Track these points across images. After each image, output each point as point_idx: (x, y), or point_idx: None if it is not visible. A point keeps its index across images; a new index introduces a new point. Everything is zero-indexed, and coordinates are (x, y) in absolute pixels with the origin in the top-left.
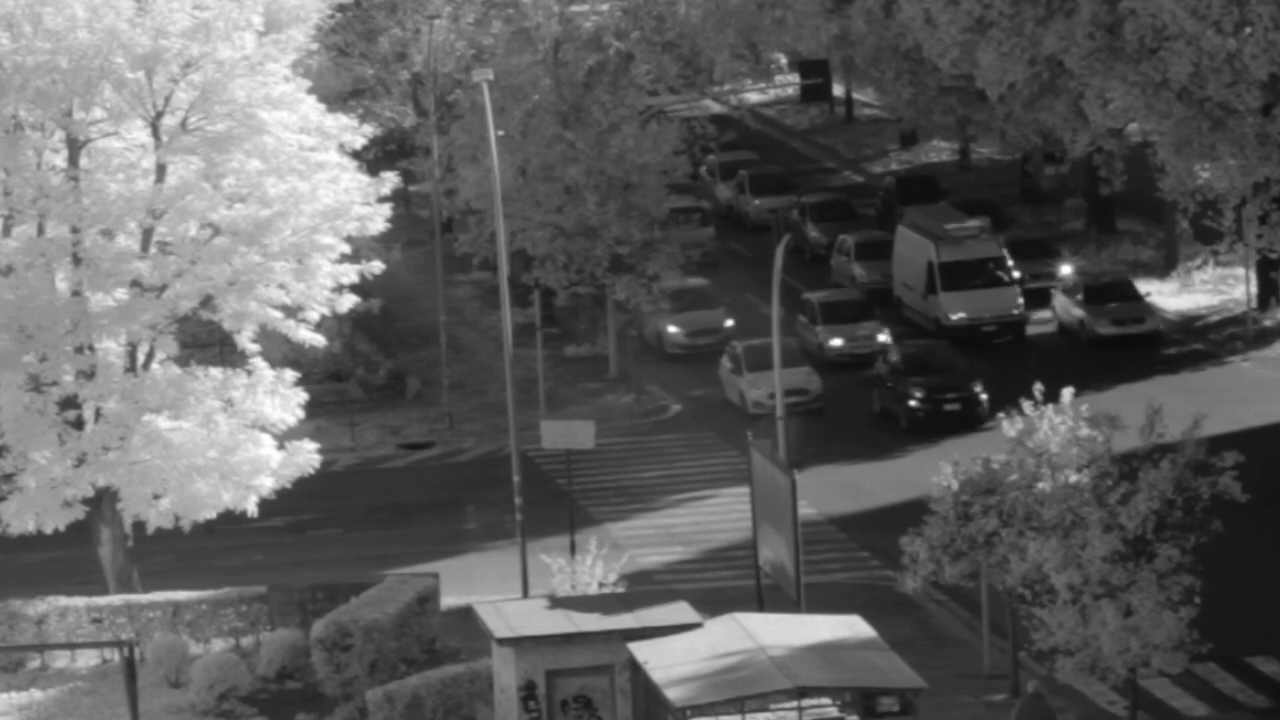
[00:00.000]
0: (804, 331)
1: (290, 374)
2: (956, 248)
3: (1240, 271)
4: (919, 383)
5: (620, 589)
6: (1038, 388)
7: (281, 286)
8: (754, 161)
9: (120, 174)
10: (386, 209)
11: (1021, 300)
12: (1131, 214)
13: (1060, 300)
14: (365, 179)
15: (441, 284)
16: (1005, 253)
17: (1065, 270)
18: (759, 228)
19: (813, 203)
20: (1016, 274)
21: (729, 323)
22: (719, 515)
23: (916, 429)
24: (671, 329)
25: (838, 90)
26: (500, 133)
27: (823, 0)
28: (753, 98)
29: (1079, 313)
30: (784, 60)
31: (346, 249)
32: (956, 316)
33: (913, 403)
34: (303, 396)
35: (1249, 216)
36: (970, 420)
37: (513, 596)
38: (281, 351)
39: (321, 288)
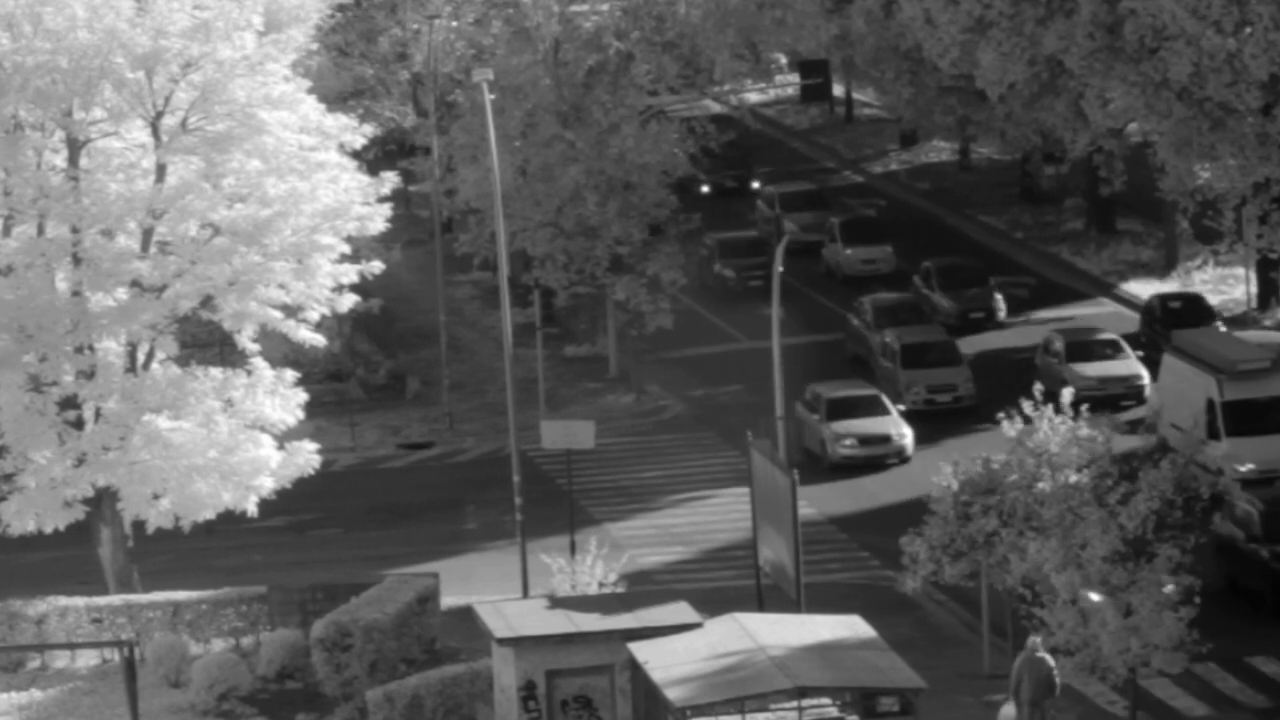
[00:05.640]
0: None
1: (290, 374)
2: (1245, 384)
3: (1240, 271)
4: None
5: (620, 589)
6: (1038, 387)
7: (281, 286)
8: (809, 192)
9: (120, 174)
10: (386, 209)
11: None
12: (1131, 214)
13: None
14: (365, 179)
15: (441, 284)
16: None
17: None
18: (849, 280)
19: (939, 266)
20: None
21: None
22: (719, 515)
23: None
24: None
25: (838, 90)
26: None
27: (823, 0)
28: (753, 98)
29: None
30: (784, 60)
31: (346, 249)
32: (1245, 468)
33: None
34: (303, 396)
35: (1249, 216)
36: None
37: (513, 596)
38: (281, 351)
39: (321, 288)
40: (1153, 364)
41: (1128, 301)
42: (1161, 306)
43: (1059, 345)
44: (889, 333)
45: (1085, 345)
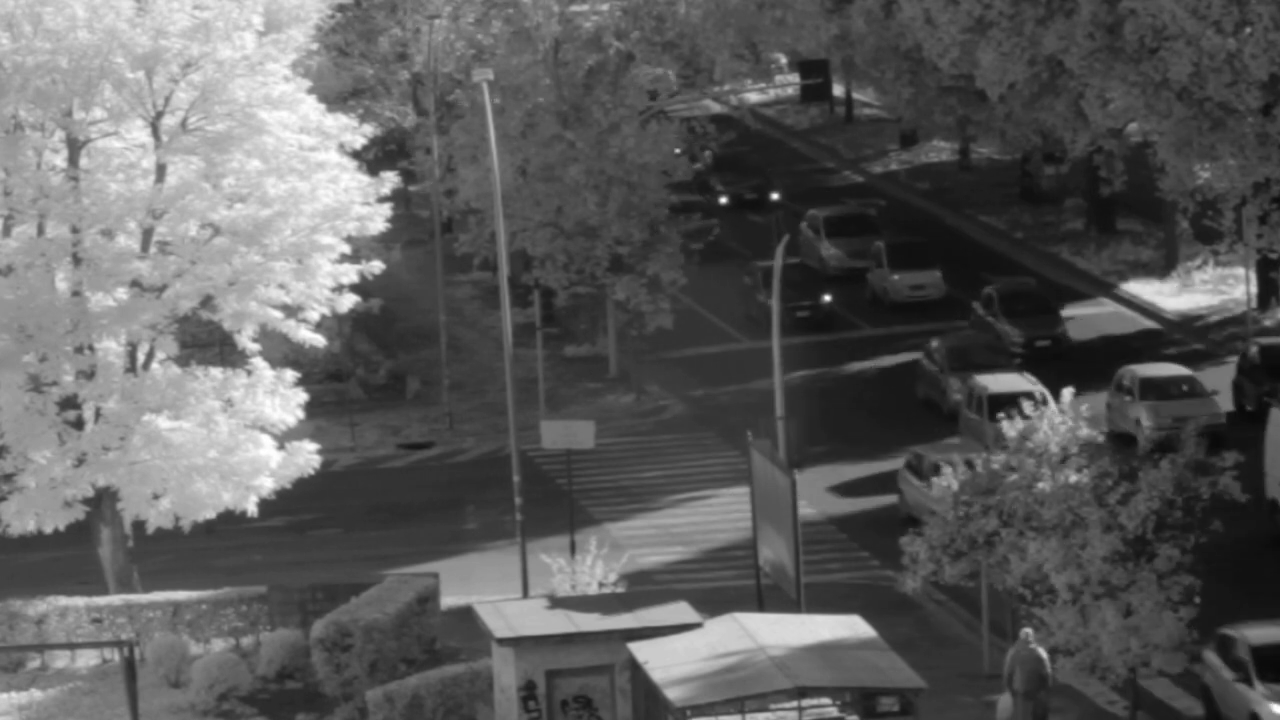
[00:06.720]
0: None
1: (290, 374)
2: None
3: (1240, 271)
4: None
5: (620, 589)
6: (1038, 386)
7: (281, 286)
8: (857, 216)
9: (120, 174)
10: (386, 209)
11: None
12: (1131, 214)
13: None
14: (365, 179)
15: (441, 284)
16: None
17: None
18: (898, 307)
19: (1004, 292)
20: None
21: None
22: (719, 515)
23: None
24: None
25: (838, 90)
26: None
27: (823, 0)
28: (753, 98)
29: None
30: (784, 60)
31: (346, 249)
32: None
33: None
34: (303, 396)
35: (1249, 216)
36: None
37: (513, 596)
38: (281, 351)
39: (321, 288)
40: (1246, 413)
41: (1128, 302)
42: (1260, 354)
43: (1132, 383)
44: (976, 380)
45: (1159, 383)
